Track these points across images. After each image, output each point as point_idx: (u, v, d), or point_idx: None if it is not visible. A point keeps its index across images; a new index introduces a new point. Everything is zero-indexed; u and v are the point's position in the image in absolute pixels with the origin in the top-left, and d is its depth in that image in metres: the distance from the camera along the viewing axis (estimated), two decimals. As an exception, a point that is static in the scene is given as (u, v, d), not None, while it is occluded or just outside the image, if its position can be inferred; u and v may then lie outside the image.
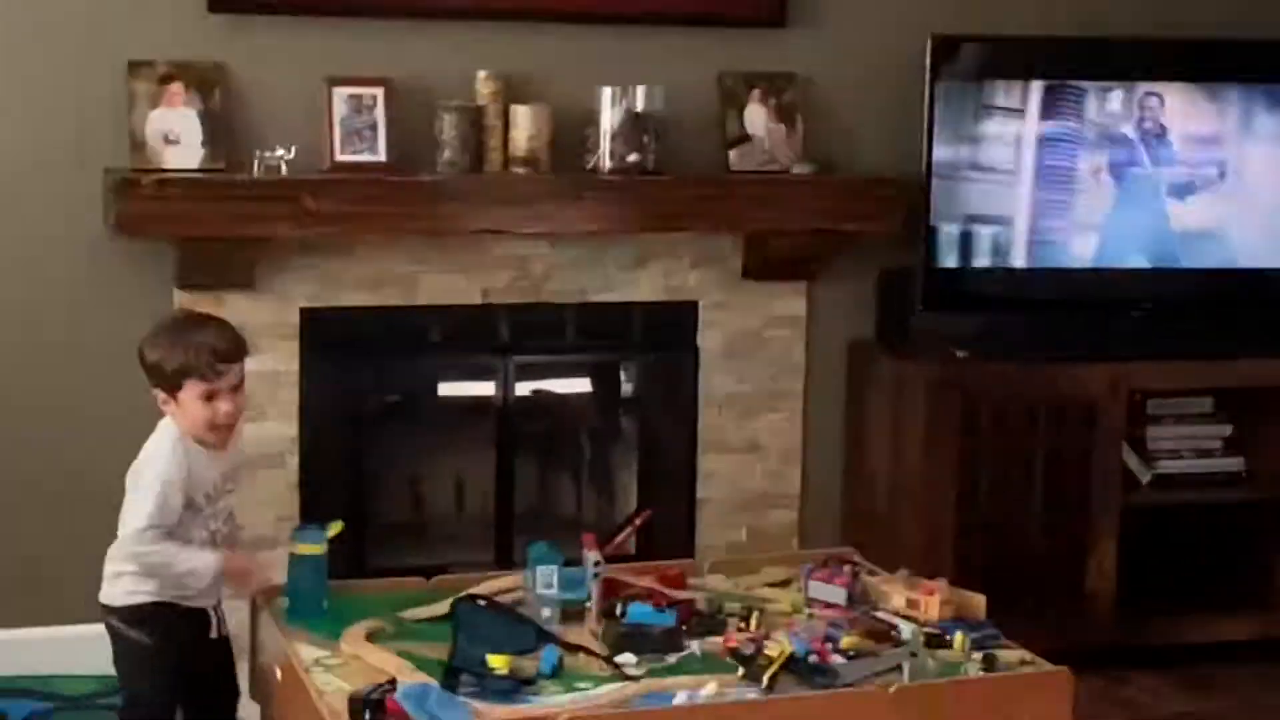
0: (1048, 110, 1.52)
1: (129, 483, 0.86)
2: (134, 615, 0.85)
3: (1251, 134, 1.59)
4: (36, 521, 1.40)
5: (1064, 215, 1.53)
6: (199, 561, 0.85)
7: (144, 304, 1.44)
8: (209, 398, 0.83)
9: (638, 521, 1.20)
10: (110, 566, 0.88)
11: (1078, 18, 1.62)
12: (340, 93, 1.45)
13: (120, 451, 0.97)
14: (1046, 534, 1.52)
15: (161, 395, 0.85)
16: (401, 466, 1.61)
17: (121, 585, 0.86)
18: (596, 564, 0.93)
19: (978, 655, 0.86)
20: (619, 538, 1.13)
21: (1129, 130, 1.55)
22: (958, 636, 0.88)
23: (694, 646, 0.86)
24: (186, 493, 0.85)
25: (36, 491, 1.41)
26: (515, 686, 0.75)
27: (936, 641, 0.88)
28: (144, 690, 0.88)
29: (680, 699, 0.73)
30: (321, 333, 1.47)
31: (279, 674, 0.86)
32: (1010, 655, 0.89)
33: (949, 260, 1.51)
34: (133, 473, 0.87)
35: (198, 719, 0.92)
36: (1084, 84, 1.53)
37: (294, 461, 1.46)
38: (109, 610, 0.88)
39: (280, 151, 1.39)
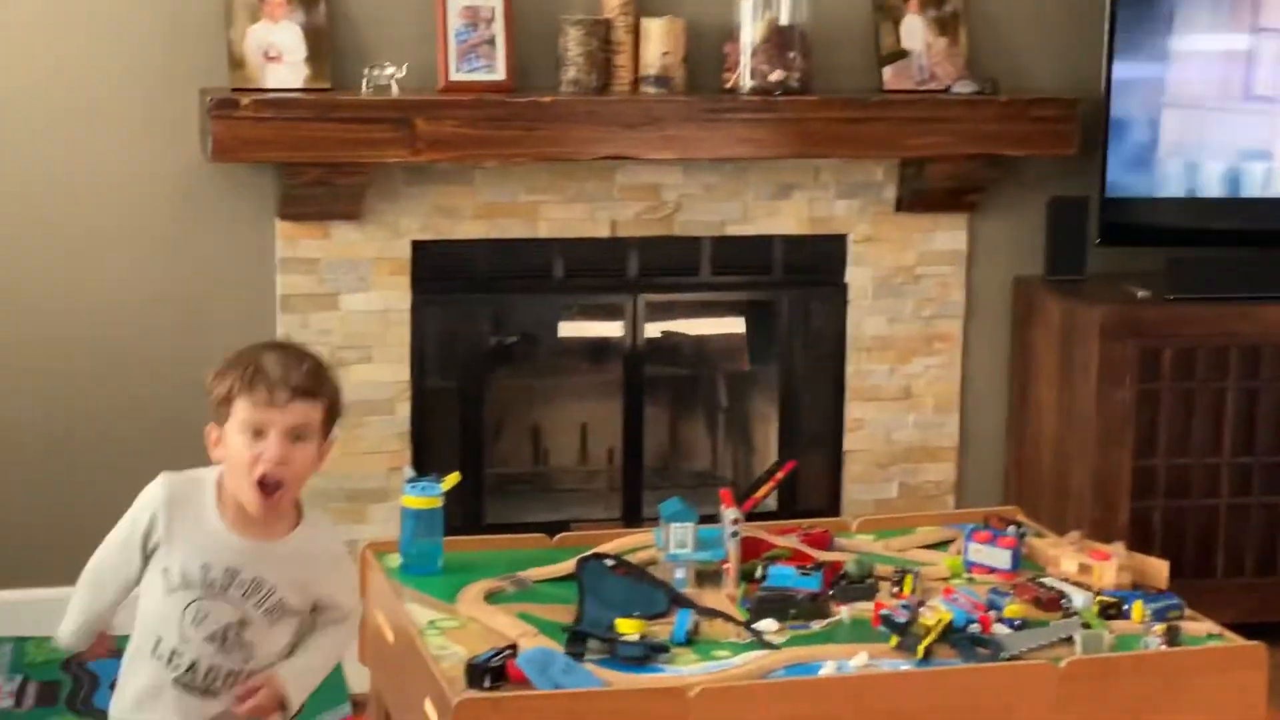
0: (1239, 24, 1.36)
1: None
2: None
3: None
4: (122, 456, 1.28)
5: (1259, 140, 1.37)
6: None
7: (243, 235, 1.36)
8: (255, 432, 0.62)
9: (779, 475, 1.10)
10: None
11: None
12: (455, 5, 1.33)
13: None
14: (1237, 491, 1.36)
15: (213, 434, 0.65)
16: (521, 414, 1.51)
17: None
18: (734, 522, 0.87)
19: (1159, 627, 0.78)
20: (759, 493, 1.04)
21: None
22: (1136, 606, 0.81)
23: (841, 613, 0.80)
24: (181, 562, 0.61)
25: (131, 426, 1.31)
26: (645, 653, 0.70)
27: (1112, 612, 0.81)
28: None
29: (827, 669, 0.67)
30: (434, 268, 1.36)
31: (390, 637, 0.80)
32: (1196, 628, 0.81)
33: (1129, 189, 1.35)
34: None
35: None
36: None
37: (405, 408, 1.35)
38: None
39: (390, 70, 1.28)
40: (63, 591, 0.72)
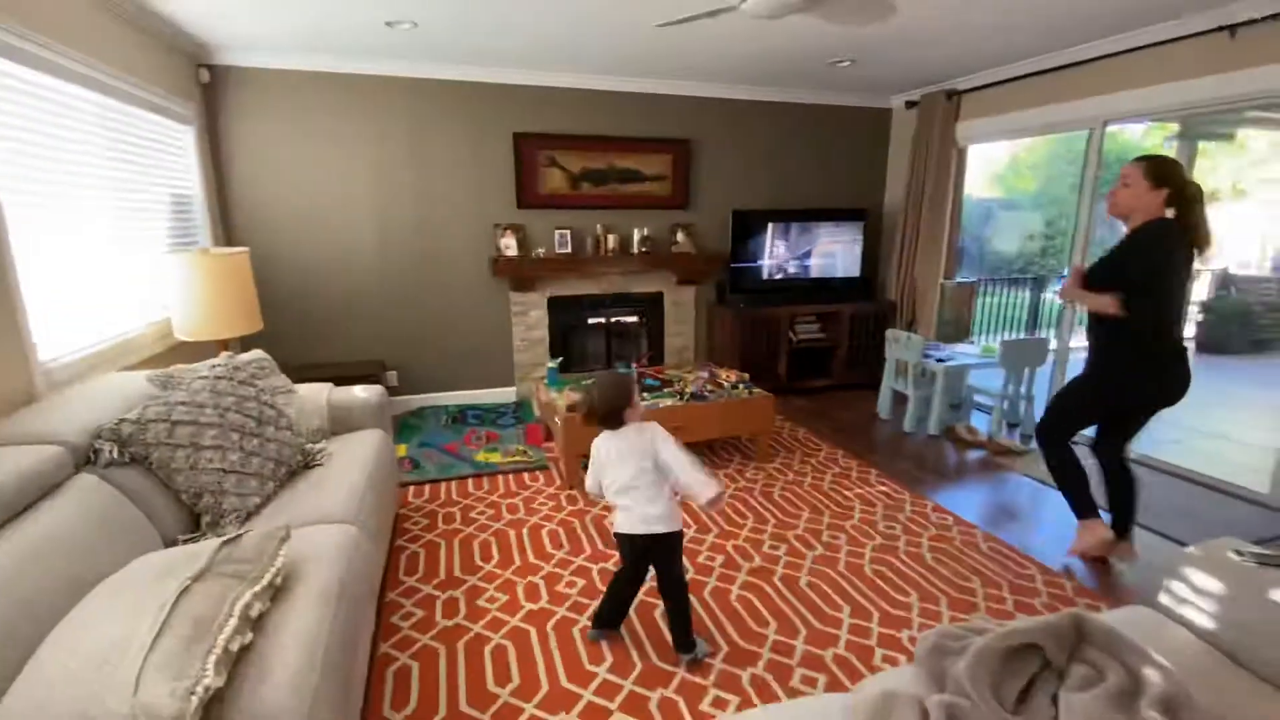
0: (791, 238, 5.07)
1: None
2: None
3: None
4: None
5: (773, 255, 5.13)
6: None
7: (501, 291, 4.80)
8: None
9: (647, 354, 4.82)
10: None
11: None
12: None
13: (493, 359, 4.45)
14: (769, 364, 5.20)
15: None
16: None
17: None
18: (636, 364, 4.63)
19: (741, 388, 4.50)
20: (642, 358, 4.75)
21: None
22: (730, 376, 4.58)
23: (664, 391, 4.51)
24: None
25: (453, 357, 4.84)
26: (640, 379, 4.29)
27: (726, 384, 4.53)
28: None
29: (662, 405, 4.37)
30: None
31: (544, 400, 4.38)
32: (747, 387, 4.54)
33: (742, 277, 5.08)
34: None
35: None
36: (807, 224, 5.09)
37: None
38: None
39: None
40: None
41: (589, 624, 2.21)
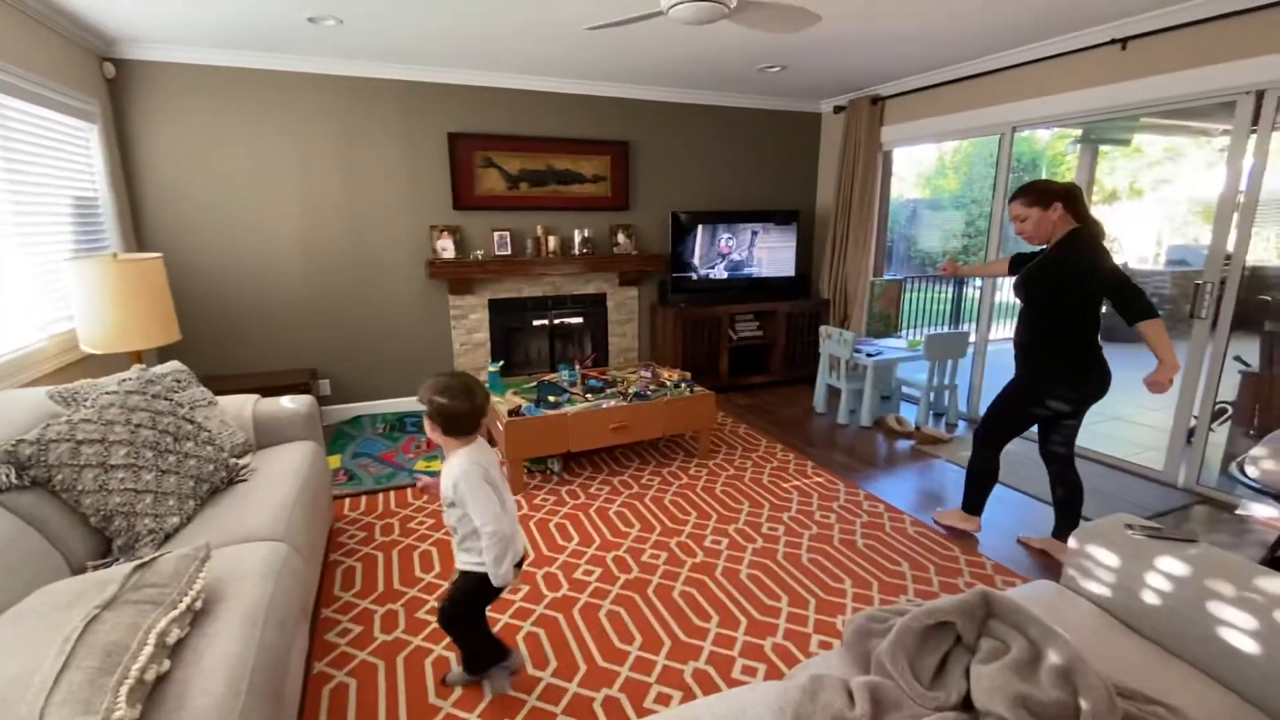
0: (718, 240, 5.16)
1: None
2: None
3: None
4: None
5: (712, 256, 5.22)
6: None
7: (440, 292, 4.69)
8: None
9: (592, 355, 4.85)
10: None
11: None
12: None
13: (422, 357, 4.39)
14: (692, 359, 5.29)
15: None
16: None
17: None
18: (580, 365, 4.63)
19: (684, 386, 4.56)
20: (586, 360, 4.78)
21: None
22: (674, 376, 4.63)
23: (607, 392, 4.52)
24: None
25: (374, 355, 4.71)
26: (558, 397, 4.30)
27: (668, 384, 4.59)
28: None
29: (605, 406, 4.39)
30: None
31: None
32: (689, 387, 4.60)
33: (681, 278, 5.16)
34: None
35: None
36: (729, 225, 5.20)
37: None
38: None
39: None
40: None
41: (532, 628, 2.21)
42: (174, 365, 2.55)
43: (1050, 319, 2.51)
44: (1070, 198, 2.46)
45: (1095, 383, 2.54)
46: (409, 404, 4.75)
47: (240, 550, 1.80)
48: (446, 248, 4.58)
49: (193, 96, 3.85)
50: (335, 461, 3.77)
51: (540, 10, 3.18)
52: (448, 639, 2.18)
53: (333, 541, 2.87)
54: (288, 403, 2.80)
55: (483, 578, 1.76)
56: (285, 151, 4.11)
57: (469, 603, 1.85)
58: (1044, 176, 9.51)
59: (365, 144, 4.29)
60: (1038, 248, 2.64)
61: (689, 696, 1.90)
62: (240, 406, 2.70)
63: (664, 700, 1.89)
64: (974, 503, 2.86)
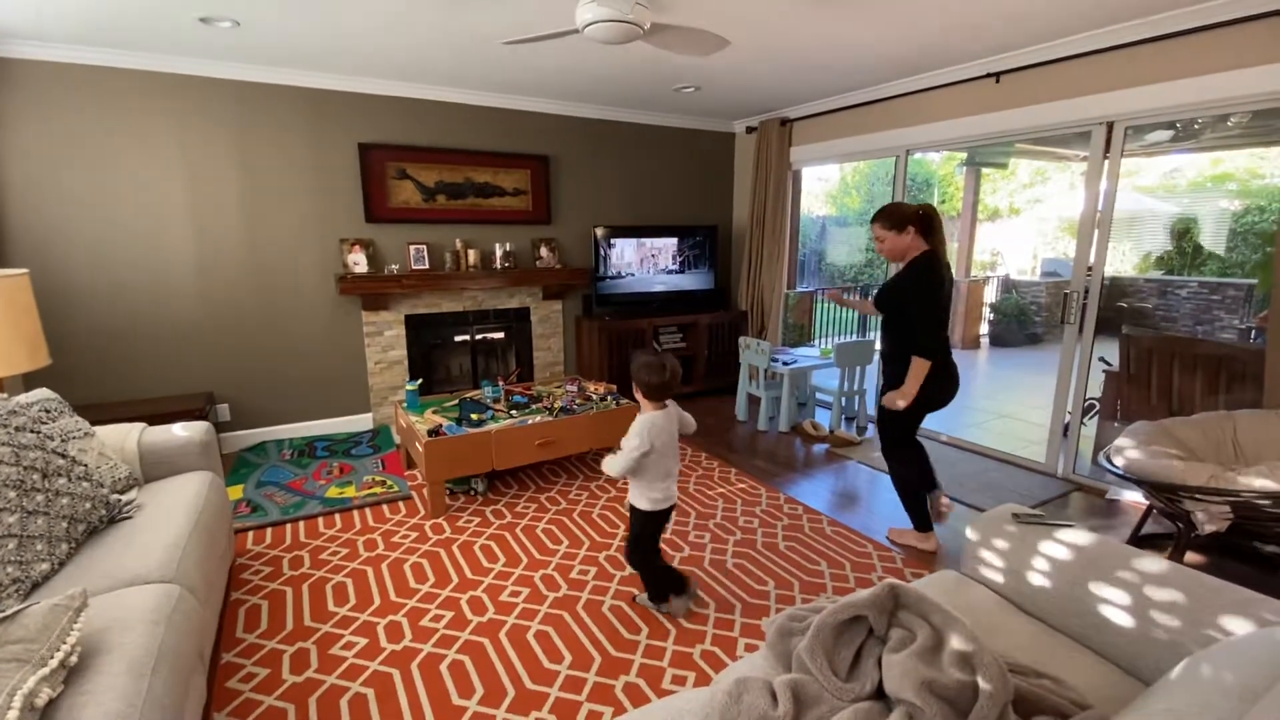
0: (636, 247, 5.23)
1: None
2: None
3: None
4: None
5: (635, 269, 5.29)
6: None
7: (352, 310, 4.47)
8: None
9: (517, 370, 4.77)
10: None
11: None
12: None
13: (339, 368, 4.22)
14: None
15: None
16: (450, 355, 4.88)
17: None
18: (503, 381, 4.54)
19: (610, 399, 4.56)
20: (511, 376, 4.68)
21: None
22: (602, 390, 4.62)
23: (533, 407, 4.47)
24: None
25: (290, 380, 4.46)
26: (481, 415, 4.22)
27: (595, 398, 4.58)
28: None
29: (530, 421, 4.34)
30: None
31: (406, 425, 4.22)
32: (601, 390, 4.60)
33: (602, 289, 5.18)
34: None
35: None
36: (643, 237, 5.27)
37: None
38: None
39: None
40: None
41: (457, 655, 2.14)
42: (42, 393, 2.30)
43: (900, 331, 2.75)
44: (922, 221, 2.67)
45: (937, 389, 2.73)
46: (320, 427, 4.49)
47: (124, 595, 1.64)
48: (359, 261, 4.39)
49: (68, 98, 3.51)
50: (237, 492, 3.50)
51: (445, 21, 3.14)
52: (366, 673, 2.07)
53: (234, 579, 2.66)
54: (179, 430, 2.59)
55: (645, 513, 2.28)
56: (176, 158, 3.82)
57: (644, 537, 2.32)
58: (936, 196, 10.29)
59: (266, 153, 4.06)
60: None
61: (620, 711, 1.89)
62: (123, 437, 2.46)
63: (595, 718, 1.87)
64: (923, 519, 2.93)
